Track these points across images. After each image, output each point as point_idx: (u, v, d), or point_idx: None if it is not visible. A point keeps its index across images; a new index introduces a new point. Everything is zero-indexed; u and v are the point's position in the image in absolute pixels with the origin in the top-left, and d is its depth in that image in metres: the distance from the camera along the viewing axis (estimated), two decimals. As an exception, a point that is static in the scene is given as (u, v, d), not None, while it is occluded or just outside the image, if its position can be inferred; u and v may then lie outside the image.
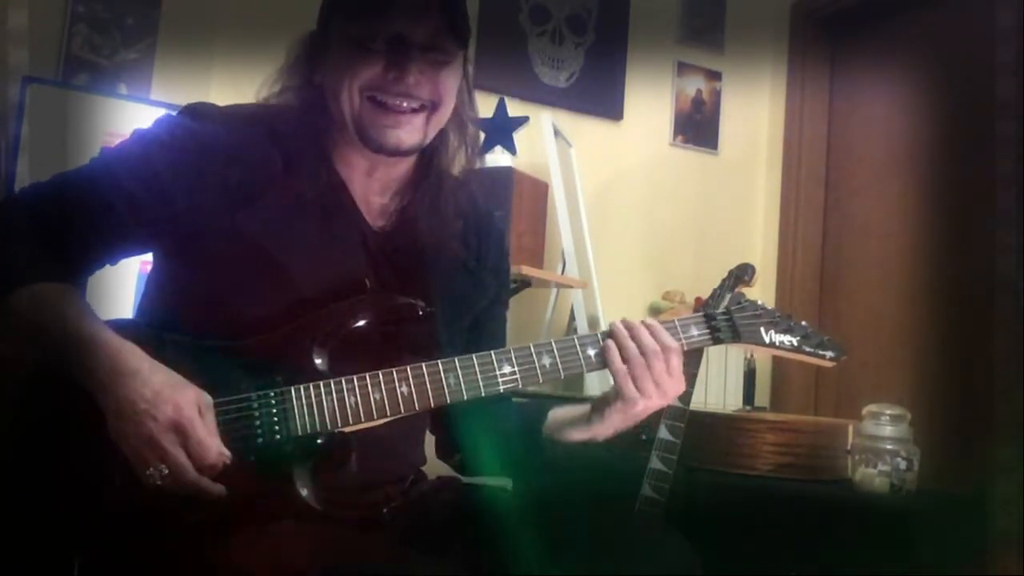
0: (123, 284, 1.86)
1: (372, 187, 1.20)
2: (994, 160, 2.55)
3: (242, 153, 1.13)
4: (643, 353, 1.11)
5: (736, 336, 1.18)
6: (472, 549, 1.11)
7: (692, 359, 1.80)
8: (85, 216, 1.10)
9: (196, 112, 1.18)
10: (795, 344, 1.19)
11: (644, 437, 2.07)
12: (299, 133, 1.16)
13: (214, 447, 0.98)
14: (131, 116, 2.16)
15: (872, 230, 3.10)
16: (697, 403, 1.90)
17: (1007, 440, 2.38)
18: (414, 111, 1.13)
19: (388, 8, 1.09)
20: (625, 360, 1.11)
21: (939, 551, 1.79)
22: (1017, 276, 2.43)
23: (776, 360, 3.22)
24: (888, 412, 1.96)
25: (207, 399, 1.01)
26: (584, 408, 1.21)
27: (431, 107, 1.14)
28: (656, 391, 1.12)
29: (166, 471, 0.97)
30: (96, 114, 2.14)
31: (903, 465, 1.90)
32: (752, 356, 2.78)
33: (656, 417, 1.84)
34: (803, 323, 1.21)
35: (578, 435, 1.22)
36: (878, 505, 1.85)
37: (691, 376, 1.80)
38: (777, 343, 1.19)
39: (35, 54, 2.22)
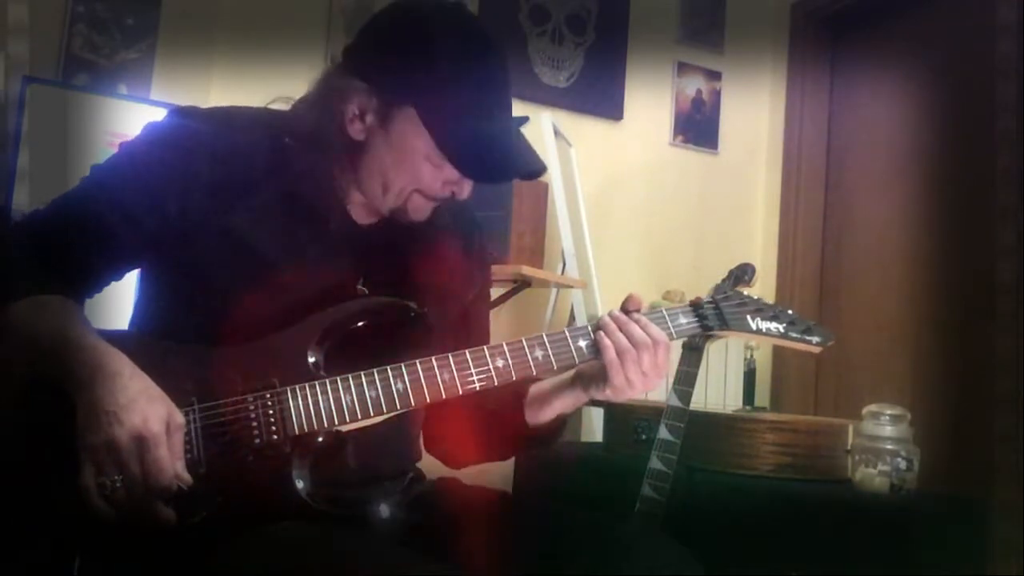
0: (123, 286, 1.86)
1: (359, 200, 1.21)
2: (994, 159, 2.55)
3: (227, 154, 1.13)
4: (634, 346, 1.12)
5: (724, 324, 1.19)
6: (472, 550, 1.11)
7: (692, 359, 1.80)
8: (84, 235, 1.11)
9: (180, 116, 1.18)
10: (782, 331, 1.21)
11: (644, 437, 2.07)
12: (295, 143, 1.15)
13: (170, 469, 0.97)
14: (131, 116, 2.16)
15: (872, 230, 3.10)
16: (697, 403, 1.89)
17: (1007, 441, 2.38)
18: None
19: (487, 175, 1.14)
20: (616, 353, 1.13)
21: (939, 551, 1.79)
22: (1017, 276, 2.43)
23: (776, 360, 3.22)
24: (888, 412, 1.96)
25: (179, 419, 1.00)
26: (564, 379, 1.22)
27: None
28: (642, 381, 1.14)
29: (119, 483, 0.96)
30: (96, 114, 2.14)
31: (903, 465, 1.90)
32: (752, 356, 2.78)
33: (656, 417, 1.84)
34: (789, 311, 1.23)
35: (559, 408, 1.23)
36: (878, 505, 1.85)
37: (691, 376, 1.79)
38: (764, 330, 1.20)
39: (35, 54, 2.22)
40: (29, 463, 1.02)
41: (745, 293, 1.24)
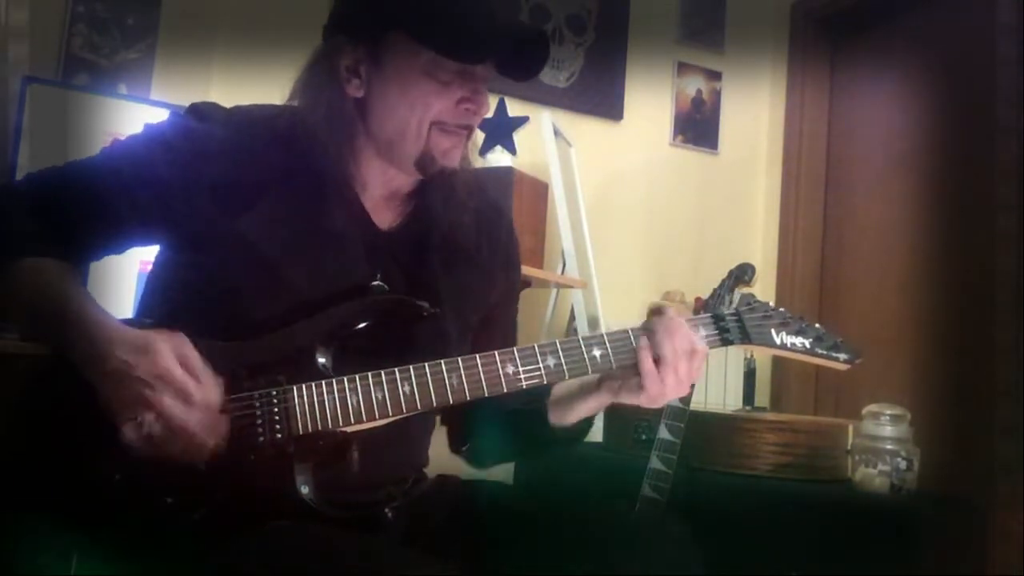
0: (124, 283, 1.86)
1: (384, 191, 1.20)
2: (994, 159, 2.55)
3: (246, 157, 1.13)
4: (675, 354, 1.10)
5: (746, 337, 1.15)
6: (472, 548, 1.11)
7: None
8: (88, 206, 1.12)
9: (202, 114, 1.17)
10: (808, 346, 1.16)
11: (644, 437, 2.08)
12: (312, 138, 1.14)
13: (188, 381, 0.97)
14: (131, 116, 2.16)
15: (872, 229, 3.10)
16: (697, 403, 1.90)
17: (1007, 440, 2.38)
18: (467, 132, 1.16)
19: (480, 48, 1.09)
20: (658, 360, 1.10)
21: (939, 551, 1.79)
22: (1017, 275, 2.43)
23: (776, 360, 3.22)
24: (888, 412, 1.97)
25: (179, 338, 1.00)
26: (589, 381, 1.18)
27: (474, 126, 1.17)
28: (675, 390, 1.12)
29: (155, 420, 0.96)
30: (96, 114, 2.14)
31: (903, 465, 1.90)
32: (752, 356, 2.78)
33: (656, 417, 1.85)
34: (816, 325, 1.18)
35: (584, 411, 1.21)
36: (878, 505, 1.85)
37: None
38: (789, 345, 1.16)
39: (35, 54, 2.22)
40: (30, 457, 1.03)
41: (771, 305, 1.19)
